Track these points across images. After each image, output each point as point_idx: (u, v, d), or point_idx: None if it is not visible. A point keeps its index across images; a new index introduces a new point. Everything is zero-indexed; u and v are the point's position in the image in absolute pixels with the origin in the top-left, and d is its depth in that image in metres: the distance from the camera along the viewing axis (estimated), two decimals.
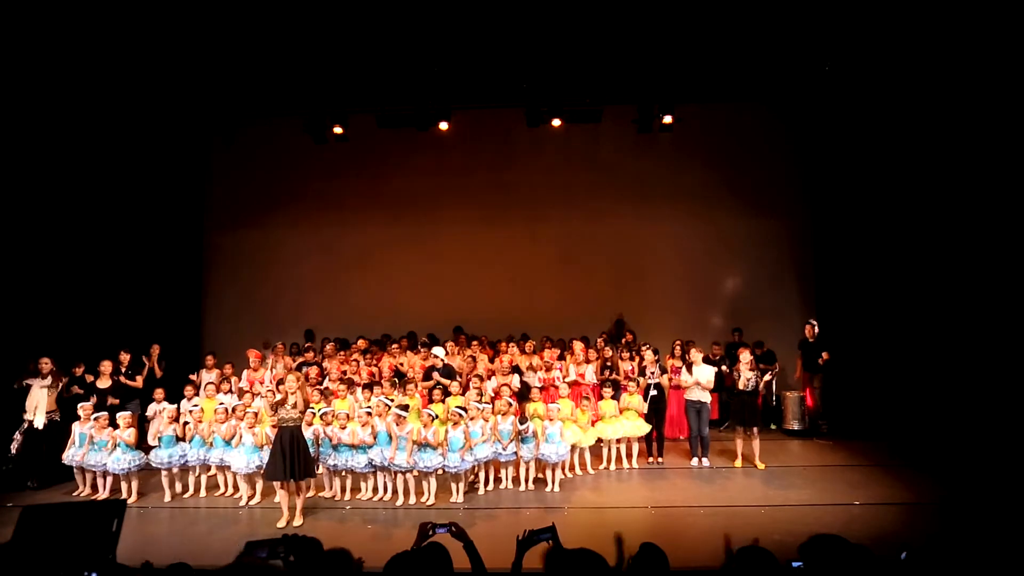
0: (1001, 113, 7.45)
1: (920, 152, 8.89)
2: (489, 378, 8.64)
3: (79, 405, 7.59)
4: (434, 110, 9.88)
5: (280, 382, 7.13)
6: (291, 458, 6.35)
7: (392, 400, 7.52)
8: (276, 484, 6.56)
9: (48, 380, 7.85)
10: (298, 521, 6.52)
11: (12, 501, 7.15)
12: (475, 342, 9.73)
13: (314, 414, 7.42)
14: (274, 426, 6.67)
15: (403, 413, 7.20)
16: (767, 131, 11.34)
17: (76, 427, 7.47)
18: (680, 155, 11.40)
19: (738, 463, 8.08)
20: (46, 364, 7.85)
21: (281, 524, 6.47)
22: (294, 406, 6.47)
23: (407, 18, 7.77)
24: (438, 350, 8.89)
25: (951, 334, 8.42)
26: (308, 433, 7.20)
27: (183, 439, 7.45)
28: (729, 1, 7.63)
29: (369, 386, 8.39)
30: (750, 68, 9.20)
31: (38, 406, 7.78)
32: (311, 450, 7.15)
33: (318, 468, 7.34)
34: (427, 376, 8.58)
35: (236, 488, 7.39)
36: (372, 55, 8.64)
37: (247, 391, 8.30)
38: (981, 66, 7.49)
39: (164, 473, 7.34)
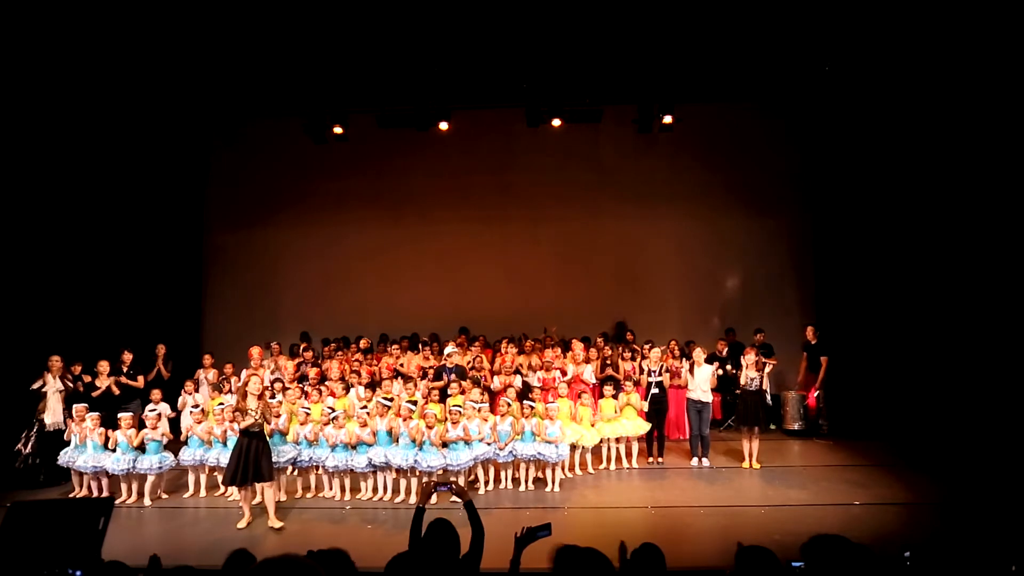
0: (1001, 113, 7.44)
1: (920, 152, 8.88)
2: (492, 380, 8.63)
3: (74, 407, 7.59)
4: (434, 110, 9.87)
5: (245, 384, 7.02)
6: (244, 463, 6.27)
7: (390, 400, 7.53)
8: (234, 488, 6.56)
9: (58, 379, 7.88)
10: (276, 523, 6.41)
11: (18, 498, 7.12)
12: (476, 343, 9.72)
13: (307, 413, 7.44)
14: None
15: (412, 407, 7.25)
16: (767, 131, 11.33)
17: (72, 427, 7.47)
18: (680, 155, 11.39)
19: (746, 464, 8.06)
20: (56, 362, 7.87)
21: (242, 525, 6.43)
22: (256, 410, 6.36)
23: (407, 18, 7.77)
24: (451, 349, 8.86)
25: (951, 334, 8.40)
26: (306, 431, 7.25)
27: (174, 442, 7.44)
28: (729, 1, 7.63)
29: (370, 386, 8.39)
30: (750, 68, 9.20)
31: (51, 405, 7.83)
32: (308, 450, 7.20)
33: (318, 469, 7.35)
34: (438, 376, 8.52)
35: None
36: (372, 55, 8.64)
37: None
38: (981, 66, 7.49)
39: (151, 478, 7.28)
